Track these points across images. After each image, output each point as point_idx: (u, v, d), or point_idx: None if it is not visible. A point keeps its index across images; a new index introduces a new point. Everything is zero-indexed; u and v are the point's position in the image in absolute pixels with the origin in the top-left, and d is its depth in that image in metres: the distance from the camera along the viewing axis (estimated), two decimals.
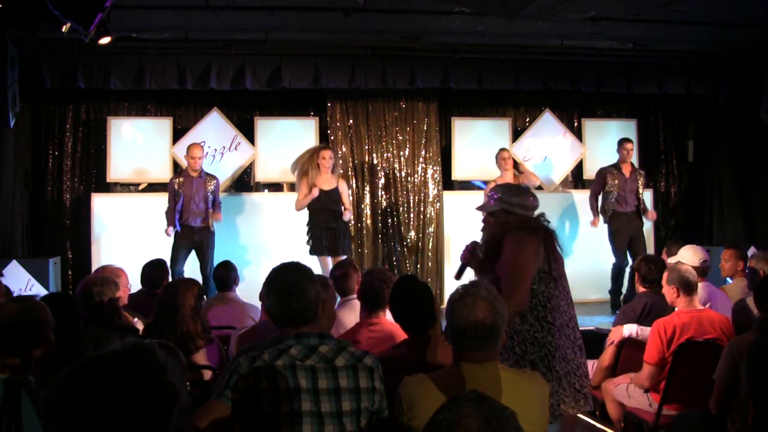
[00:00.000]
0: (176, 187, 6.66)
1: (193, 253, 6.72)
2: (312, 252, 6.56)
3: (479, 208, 3.33)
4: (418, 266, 7.91)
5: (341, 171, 6.94)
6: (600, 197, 7.22)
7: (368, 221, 8.00)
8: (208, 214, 6.66)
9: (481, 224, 3.31)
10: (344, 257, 6.51)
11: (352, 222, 7.19)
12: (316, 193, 6.42)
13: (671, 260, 4.76)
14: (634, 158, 8.40)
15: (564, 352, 3.04)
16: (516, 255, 3.02)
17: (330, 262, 6.49)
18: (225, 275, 4.88)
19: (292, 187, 7.76)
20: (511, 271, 2.99)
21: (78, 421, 1.21)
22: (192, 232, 6.64)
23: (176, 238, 6.64)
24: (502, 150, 7.35)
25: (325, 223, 6.51)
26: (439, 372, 2.20)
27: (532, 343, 3.00)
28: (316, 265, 6.73)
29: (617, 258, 7.07)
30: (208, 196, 6.68)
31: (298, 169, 6.63)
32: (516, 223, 3.13)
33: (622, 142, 7.23)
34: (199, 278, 6.20)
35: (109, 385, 1.23)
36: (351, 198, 7.19)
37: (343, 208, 6.58)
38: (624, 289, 7.01)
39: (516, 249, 3.02)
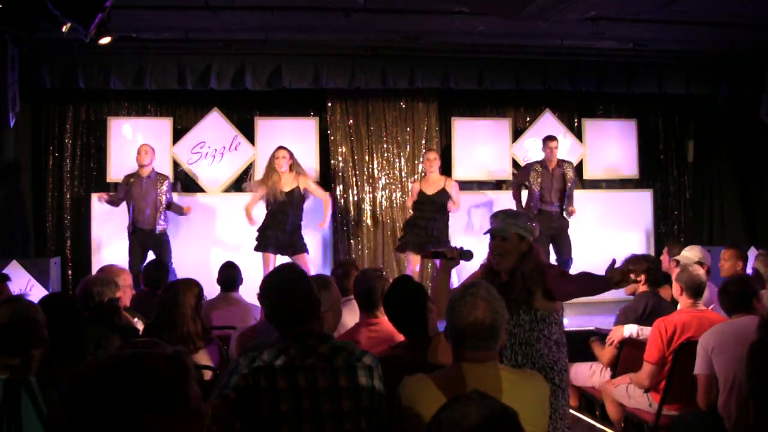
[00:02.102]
0: (125, 186, 6.67)
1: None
2: (258, 248, 6.56)
3: (494, 232, 3.12)
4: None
5: (302, 170, 6.83)
6: (525, 193, 7.01)
7: (368, 221, 8.00)
8: (158, 217, 6.63)
9: (496, 248, 3.12)
10: (306, 255, 6.62)
11: (326, 228, 7.16)
12: (260, 192, 6.52)
13: (683, 258, 4.77)
14: (634, 158, 8.45)
15: (564, 363, 3.11)
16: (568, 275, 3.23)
17: (273, 260, 6.53)
18: (230, 275, 4.87)
19: None
20: (581, 279, 3.10)
21: (90, 421, 1.21)
22: (143, 235, 6.64)
23: (130, 240, 6.65)
24: (429, 151, 7.14)
25: (281, 224, 6.52)
26: (439, 372, 2.20)
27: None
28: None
29: None
30: (158, 200, 6.64)
31: (260, 180, 6.70)
32: (536, 255, 3.12)
33: (546, 141, 6.98)
34: (198, 278, 6.20)
35: (126, 386, 1.23)
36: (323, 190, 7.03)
37: (320, 222, 6.77)
38: None
39: (564, 272, 3.24)
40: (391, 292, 2.89)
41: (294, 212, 6.57)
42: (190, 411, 1.29)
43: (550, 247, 6.91)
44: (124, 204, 6.76)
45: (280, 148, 6.67)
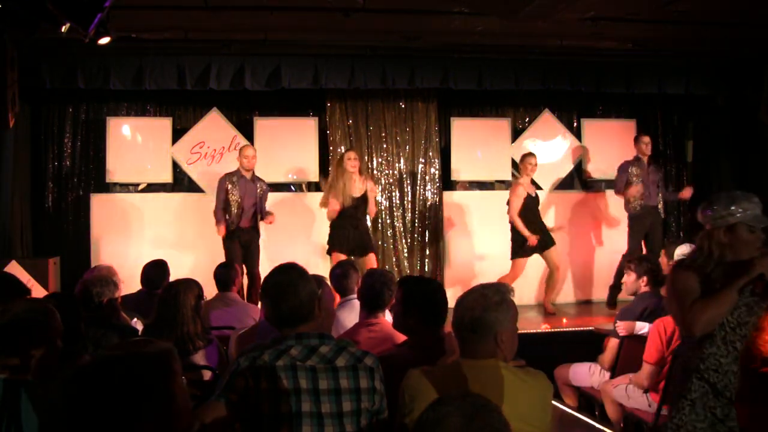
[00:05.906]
0: (228, 186, 6.62)
1: None
2: (331, 250, 6.59)
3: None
4: (418, 266, 7.91)
5: (368, 174, 6.97)
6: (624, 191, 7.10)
7: (368, 221, 8.00)
8: (256, 216, 6.68)
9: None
10: (374, 254, 6.66)
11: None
12: (336, 207, 6.49)
13: (677, 256, 4.76)
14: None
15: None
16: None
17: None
18: (226, 275, 4.88)
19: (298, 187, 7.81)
20: None
21: (87, 417, 1.22)
22: (241, 233, 6.64)
23: (227, 240, 6.61)
24: (532, 155, 7.12)
25: (353, 224, 6.56)
26: (441, 368, 2.22)
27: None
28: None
29: (630, 252, 6.95)
30: (257, 200, 6.68)
31: (327, 185, 6.71)
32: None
33: (639, 137, 7.32)
34: (200, 279, 6.21)
35: (122, 384, 1.25)
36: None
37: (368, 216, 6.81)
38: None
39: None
40: (410, 288, 2.88)
41: (363, 213, 6.67)
42: (175, 408, 1.31)
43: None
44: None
45: (349, 150, 6.81)
